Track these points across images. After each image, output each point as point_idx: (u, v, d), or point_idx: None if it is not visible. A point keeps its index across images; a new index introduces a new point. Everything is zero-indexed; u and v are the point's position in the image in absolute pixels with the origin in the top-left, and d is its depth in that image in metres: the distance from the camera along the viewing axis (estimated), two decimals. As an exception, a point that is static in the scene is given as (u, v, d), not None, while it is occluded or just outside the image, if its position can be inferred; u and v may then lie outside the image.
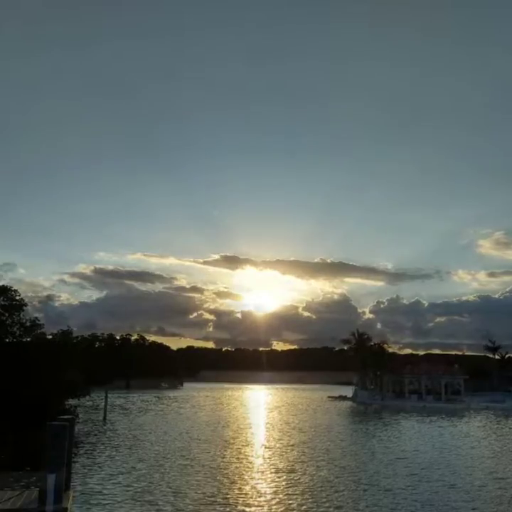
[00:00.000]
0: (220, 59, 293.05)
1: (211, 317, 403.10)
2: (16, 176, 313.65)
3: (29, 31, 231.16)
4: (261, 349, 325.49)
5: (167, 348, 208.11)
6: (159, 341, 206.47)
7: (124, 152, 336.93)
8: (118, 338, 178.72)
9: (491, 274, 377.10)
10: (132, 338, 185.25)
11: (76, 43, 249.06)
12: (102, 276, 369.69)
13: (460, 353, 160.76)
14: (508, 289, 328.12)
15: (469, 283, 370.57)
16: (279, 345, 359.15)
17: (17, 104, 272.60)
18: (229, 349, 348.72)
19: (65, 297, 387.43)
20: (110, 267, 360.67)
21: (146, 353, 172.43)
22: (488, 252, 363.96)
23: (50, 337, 48.18)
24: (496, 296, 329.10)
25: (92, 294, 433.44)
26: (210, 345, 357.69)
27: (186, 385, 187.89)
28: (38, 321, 47.72)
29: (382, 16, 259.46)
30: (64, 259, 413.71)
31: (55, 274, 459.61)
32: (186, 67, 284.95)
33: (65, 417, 15.73)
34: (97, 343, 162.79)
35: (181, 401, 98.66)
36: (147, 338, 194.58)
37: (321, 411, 79.31)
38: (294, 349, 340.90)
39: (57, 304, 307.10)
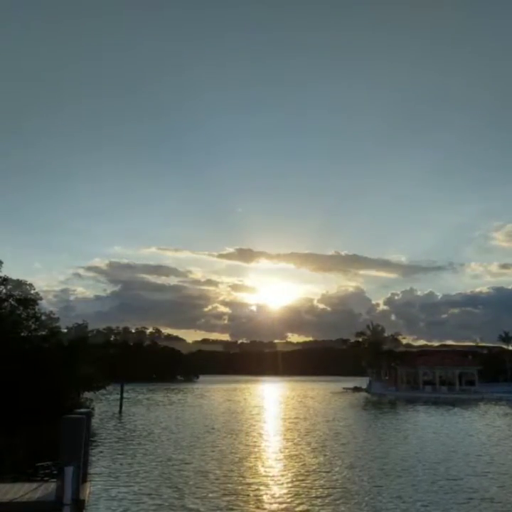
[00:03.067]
0: (238, 63, 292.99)
1: (226, 310, 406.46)
2: (30, 174, 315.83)
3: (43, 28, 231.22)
4: (276, 341, 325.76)
5: (182, 340, 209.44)
6: (175, 334, 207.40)
7: (139, 149, 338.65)
8: (133, 331, 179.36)
9: (504, 266, 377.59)
10: (147, 331, 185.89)
11: (85, 40, 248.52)
12: (117, 270, 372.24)
13: (474, 344, 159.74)
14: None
15: (482, 275, 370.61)
16: (294, 338, 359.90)
17: (33, 107, 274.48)
18: (244, 341, 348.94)
19: (80, 291, 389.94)
20: (125, 261, 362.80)
21: (161, 346, 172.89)
22: (500, 244, 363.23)
23: (66, 331, 48.37)
24: (510, 287, 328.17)
25: (106, 288, 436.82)
26: (226, 337, 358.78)
27: (202, 377, 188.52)
28: (53, 314, 47.96)
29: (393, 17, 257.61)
30: (79, 253, 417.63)
31: (70, 267, 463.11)
32: (205, 69, 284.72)
33: (82, 410, 15.77)
34: (113, 336, 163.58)
35: (197, 394, 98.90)
36: (162, 331, 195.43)
37: (336, 402, 79.22)
38: (309, 341, 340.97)
39: (72, 297, 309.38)
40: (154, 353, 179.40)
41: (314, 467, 25.98)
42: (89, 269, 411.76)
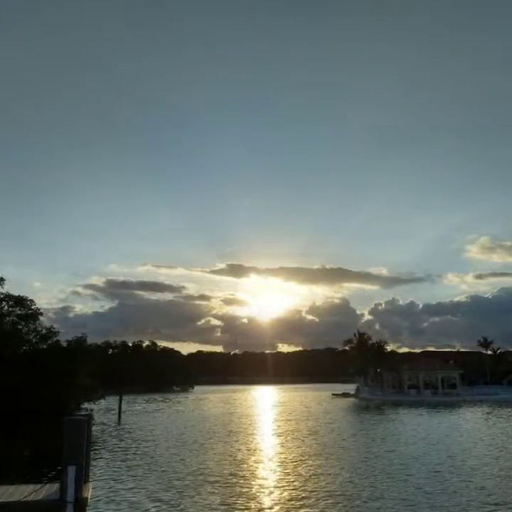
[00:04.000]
0: (229, 76, 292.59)
1: (219, 323, 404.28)
2: (31, 198, 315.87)
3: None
4: (267, 352, 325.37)
5: (178, 352, 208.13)
6: (170, 347, 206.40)
7: (135, 173, 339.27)
8: (130, 345, 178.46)
9: (479, 276, 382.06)
10: (144, 344, 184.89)
11: (83, 53, 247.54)
12: (114, 288, 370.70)
13: (454, 350, 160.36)
14: (496, 290, 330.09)
15: (458, 285, 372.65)
16: (284, 348, 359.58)
17: (32, 124, 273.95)
18: (237, 353, 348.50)
19: (79, 308, 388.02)
20: (121, 279, 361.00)
21: (157, 358, 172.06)
22: (475, 256, 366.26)
23: (65, 345, 47.91)
24: (486, 296, 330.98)
25: (104, 305, 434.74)
26: (219, 349, 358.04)
27: (197, 388, 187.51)
28: (54, 329, 47.56)
29: (381, 30, 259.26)
30: (77, 272, 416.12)
31: (70, 286, 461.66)
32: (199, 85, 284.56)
33: (83, 413, 15.61)
34: (111, 350, 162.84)
35: (195, 403, 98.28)
36: (158, 344, 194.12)
37: (327, 407, 79.01)
38: (299, 351, 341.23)
39: (71, 314, 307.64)
40: (153, 353, 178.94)
41: (313, 470, 25.52)
42: (87, 287, 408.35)
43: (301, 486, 21.28)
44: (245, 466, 26.59)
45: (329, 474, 23.88)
